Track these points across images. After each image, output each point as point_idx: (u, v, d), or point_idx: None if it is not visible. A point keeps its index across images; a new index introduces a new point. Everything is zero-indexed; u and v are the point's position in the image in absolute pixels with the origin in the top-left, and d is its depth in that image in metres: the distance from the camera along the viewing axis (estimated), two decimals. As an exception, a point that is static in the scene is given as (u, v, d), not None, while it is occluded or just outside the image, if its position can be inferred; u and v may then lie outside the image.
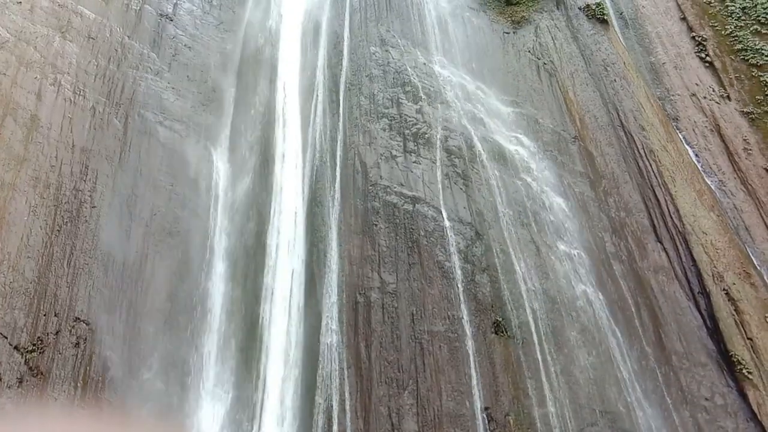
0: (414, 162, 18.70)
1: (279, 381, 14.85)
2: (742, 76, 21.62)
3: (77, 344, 14.15)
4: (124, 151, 17.51)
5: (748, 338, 15.46)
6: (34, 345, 13.84)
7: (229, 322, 15.84)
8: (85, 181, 16.56)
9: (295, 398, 14.66)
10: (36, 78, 17.83)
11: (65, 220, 15.75)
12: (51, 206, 15.84)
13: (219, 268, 16.65)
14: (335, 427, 14.07)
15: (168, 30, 20.99)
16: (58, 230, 15.54)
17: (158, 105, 18.85)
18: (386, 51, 22.04)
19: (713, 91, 21.64)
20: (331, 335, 15.36)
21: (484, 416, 14.38)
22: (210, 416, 14.34)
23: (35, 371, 13.55)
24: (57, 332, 14.16)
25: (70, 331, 14.25)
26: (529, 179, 18.85)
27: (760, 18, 22.57)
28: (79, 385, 13.69)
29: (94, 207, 16.22)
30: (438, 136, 19.42)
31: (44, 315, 14.30)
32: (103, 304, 14.86)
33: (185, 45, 20.90)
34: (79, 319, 14.48)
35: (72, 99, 17.90)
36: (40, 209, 15.68)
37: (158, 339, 14.85)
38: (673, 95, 22.08)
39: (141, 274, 15.62)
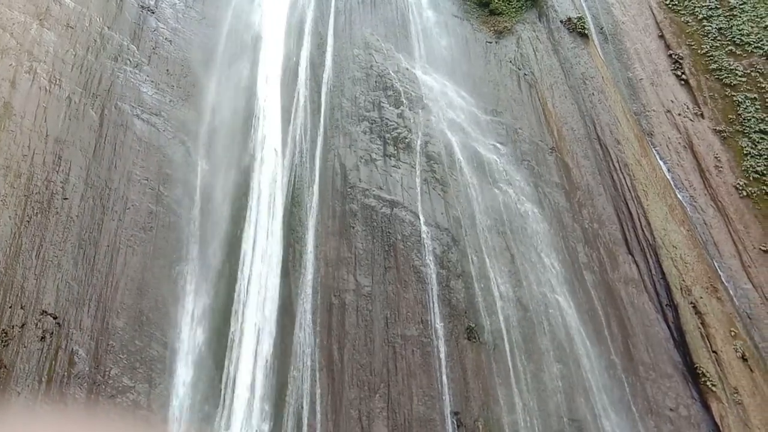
0: (393, 166, 18.75)
1: (249, 380, 14.71)
2: (716, 95, 22.15)
3: (43, 338, 13.86)
4: (99, 143, 17.22)
5: (713, 351, 15.79)
6: (-2, 337, 13.53)
7: (200, 320, 15.65)
8: (57, 172, 16.25)
9: (266, 398, 14.54)
10: (11, 65, 17.46)
11: (35, 211, 15.43)
12: (21, 196, 15.52)
13: (192, 265, 16.44)
14: (305, 429, 14.01)
15: (149, 22, 20.73)
16: (27, 221, 15.22)
17: (136, 97, 18.59)
18: (370, 54, 22.08)
19: (688, 108, 22.12)
20: (304, 336, 15.30)
21: (454, 421, 14.45)
22: (178, 414, 14.14)
23: (-2, 364, 13.25)
24: (22, 325, 13.86)
25: (36, 325, 13.96)
26: (506, 188, 19.03)
27: (735, 39, 23.16)
28: (43, 379, 13.41)
29: (65, 199, 15.92)
30: (418, 142, 19.51)
31: (10, 307, 13.99)
32: (71, 298, 14.59)
33: (166, 38, 20.66)
34: (46, 312, 14.18)
35: (47, 88, 17.56)
36: (9, 199, 15.34)
37: (127, 335, 14.61)
38: (648, 111, 22.51)
39: (112, 269, 15.37)
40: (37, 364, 13.53)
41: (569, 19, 24.55)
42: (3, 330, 13.68)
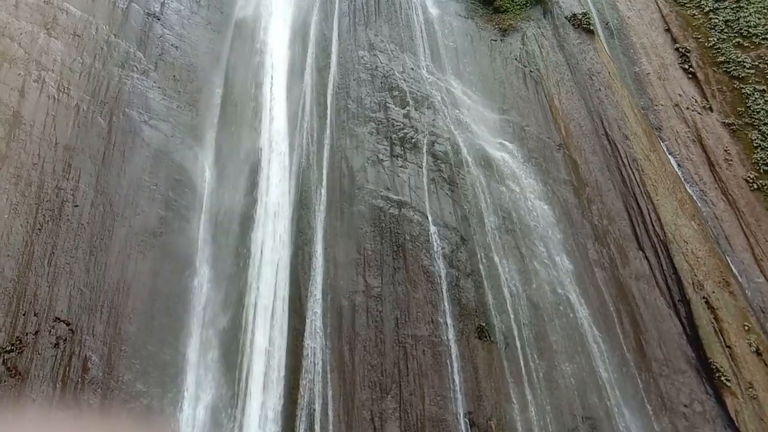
0: (400, 166, 18.74)
1: (261, 384, 14.76)
2: (724, 87, 21.98)
3: (57, 344, 13.96)
4: (108, 149, 17.33)
5: (726, 346, 15.67)
6: (12, 345, 13.62)
7: (211, 324, 15.72)
8: (67, 179, 16.36)
9: (278, 401, 14.58)
10: (19, 74, 17.60)
11: (47, 219, 15.55)
12: (32, 204, 15.63)
13: (202, 269, 16.52)
14: (317, 431, 14.02)
15: (155, 29, 20.84)
16: (39, 229, 15.33)
17: (144, 104, 18.70)
18: (374, 55, 22.09)
19: (696, 102, 21.97)
20: (315, 338, 15.32)
21: (467, 421, 14.42)
22: (191, 418, 14.21)
23: (13, 371, 13.33)
24: (36, 332, 13.96)
25: (50, 331, 14.05)
26: (514, 186, 18.98)
27: (742, 31, 22.98)
28: (58, 386, 13.50)
29: (76, 206, 16.03)
30: (425, 141, 19.49)
31: (23, 314, 14.09)
32: (84, 304, 14.68)
33: (172, 44, 20.76)
34: (59, 319, 14.28)
35: (56, 96, 17.69)
36: (21, 207, 15.46)
37: (140, 340, 14.69)
38: (656, 105, 22.37)
39: (123, 275, 15.45)
40: (51, 371, 13.62)
41: (574, 15, 24.44)
42: (17, 337, 13.78)
